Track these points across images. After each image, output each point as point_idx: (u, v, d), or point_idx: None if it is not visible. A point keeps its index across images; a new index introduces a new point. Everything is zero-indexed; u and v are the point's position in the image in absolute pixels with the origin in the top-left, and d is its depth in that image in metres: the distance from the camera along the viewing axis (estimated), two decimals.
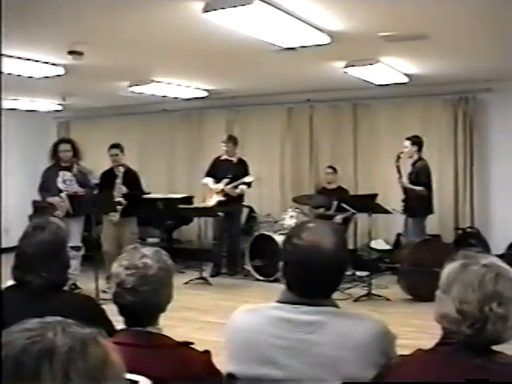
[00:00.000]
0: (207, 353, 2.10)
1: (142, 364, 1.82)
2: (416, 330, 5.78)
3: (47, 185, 7.73)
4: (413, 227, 7.81)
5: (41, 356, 0.90)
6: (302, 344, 1.84)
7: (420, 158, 7.86)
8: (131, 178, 8.16)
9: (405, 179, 7.81)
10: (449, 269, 1.79)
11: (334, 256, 1.89)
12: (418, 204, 7.69)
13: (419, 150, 7.86)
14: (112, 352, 0.99)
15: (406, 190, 7.83)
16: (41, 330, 0.94)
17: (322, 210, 8.87)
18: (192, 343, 2.09)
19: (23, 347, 0.90)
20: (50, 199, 7.62)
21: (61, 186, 7.64)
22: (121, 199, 7.83)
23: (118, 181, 7.98)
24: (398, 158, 7.80)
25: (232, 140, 9.08)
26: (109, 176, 8.12)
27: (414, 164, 7.88)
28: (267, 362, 1.88)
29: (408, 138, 7.89)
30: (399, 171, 7.79)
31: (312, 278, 1.88)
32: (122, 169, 8.06)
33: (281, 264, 1.99)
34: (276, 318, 1.91)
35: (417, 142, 7.85)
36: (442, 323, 1.77)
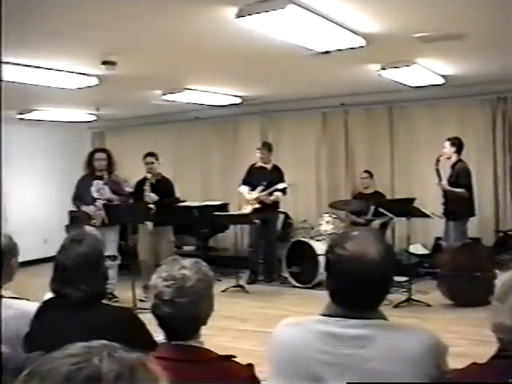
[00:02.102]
0: (250, 366, 2.04)
1: (183, 379, 1.76)
2: (458, 336, 5.64)
3: (81, 194, 7.79)
4: (454, 231, 7.66)
5: None
6: (351, 359, 1.76)
7: (460, 160, 7.72)
8: (165, 187, 8.18)
9: (444, 182, 7.68)
10: (504, 277, 1.70)
11: (380, 266, 1.80)
12: (458, 207, 7.55)
13: (458, 151, 7.72)
14: (161, 376, 0.92)
15: (446, 193, 7.70)
16: (86, 356, 0.87)
17: (358, 216, 8.80)
18: (234, 356, 2.04)
19: (68, 375, 0.84)
20: (85, 208, 7.67)
21: (95, 194, 7.71)
22: (151, 206, 7.83)
23: (146, 188, 7.99)
24: (438, 161, 7.67)
25: (267, 147, 9.06)
26: (143, 185, 8.13)
27: (453, 166, 7.75)
28: (313, 379, 1.80)
29: (448, 139, 7.78)
30: (439, 174, 7.66)
31: (358, 289, 1.80)
32: (149, 176, 8.07)
33: (324, 275, 1.92)
34: (321, 332, 1.83)
35: (456, 143, 7.71)
36: (496, 333, 1.68)
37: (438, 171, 7.66)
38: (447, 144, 7.73)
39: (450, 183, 7.65)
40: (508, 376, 1.59)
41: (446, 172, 7.80)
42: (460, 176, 7.63)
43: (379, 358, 1.74)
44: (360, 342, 1.77)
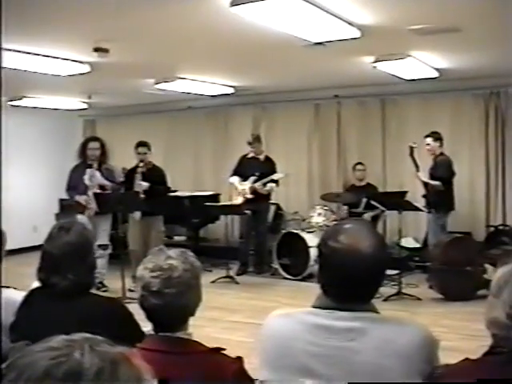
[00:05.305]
0: (239, 359, 2.01)
1: (171, 371, 1.74)
2: (448, 330, 5.63)
3: (75, 183, 7.69)
4: (432, 223, 7.70)
5: (66, 379, 0.80)
6: (341, 352, 1.74)
7: (441, 153, 7.75)
8: (156, 176, 8.13)
9: (421, 172, 7.71)
10: (500, 272, 1.67)
11: (372, 259, 1.78)
12: (437, 199, 7.57)
13: (441, 145, 7.76)
14: (145, 372, 0.89)
15: (426, 186, 7.72)
16: (66, 349, 0.84)
17: (350, 208, 8.79)
18: (224, 349, 2.01)
19: (47, 369, 0.80)
20: (78, 198, 7.59)
21: (88, 182, 7.60)
22: (142, 195, 7.79)
23: (138, 175, 7.95)
24: (411, 150, 7.68)
25: (257, 140, 9.01)
26: (134, 174, 8.08)
27: (435, 159, 7.78)
28: (303, 371, 1.78)
29: (428, 136, 7.77)
30: (415, 163, 7.68)
31: (350, 283, 1.77)
32: (141, 164, 8.02)
33: (316, 267, 1.89)
34: (311, 324, 1.81)
35: (439, 137, 7.78)
36: (491, 329, 1.65)
37: (414, 160, 7.69)
38: (429, 140, 7.75)
39: (431, 175, 7.67)
40: (500, 372, 1.57)
41: (429, 164, 7.85)
42: (439, 168, 7.66)
43: (370, 350, 1.72)
44: (350, 335, 1.74)
